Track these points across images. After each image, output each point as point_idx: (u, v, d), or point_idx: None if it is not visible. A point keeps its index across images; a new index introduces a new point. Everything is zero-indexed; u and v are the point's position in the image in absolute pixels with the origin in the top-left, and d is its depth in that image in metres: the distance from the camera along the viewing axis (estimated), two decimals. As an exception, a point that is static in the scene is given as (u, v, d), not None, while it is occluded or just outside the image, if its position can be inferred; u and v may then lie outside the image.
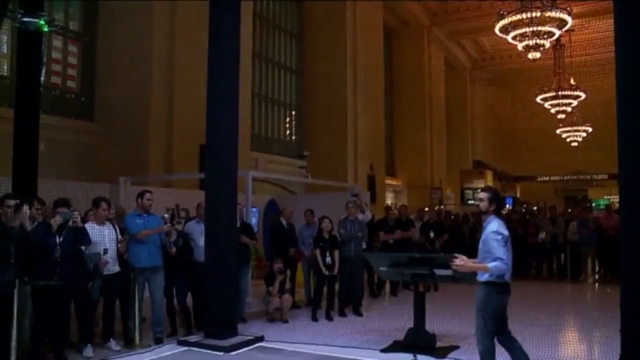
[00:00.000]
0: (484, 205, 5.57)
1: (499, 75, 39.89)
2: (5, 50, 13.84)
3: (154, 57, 14.56)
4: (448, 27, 31.56)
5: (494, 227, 5.42)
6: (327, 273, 9.32)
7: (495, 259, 5.29)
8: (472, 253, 5.96)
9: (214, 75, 7.86)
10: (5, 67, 13.70)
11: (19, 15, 8.27)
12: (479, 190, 5.87)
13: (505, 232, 5.43)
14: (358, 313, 9.60)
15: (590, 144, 33.90)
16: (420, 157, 29.92)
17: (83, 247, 6.65)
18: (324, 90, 22.50)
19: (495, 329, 5.49)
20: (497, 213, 5.61)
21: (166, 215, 7.57)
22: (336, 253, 9.40)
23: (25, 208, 6.18)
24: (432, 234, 12.55)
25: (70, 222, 6.35)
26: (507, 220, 15.70)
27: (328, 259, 9.28)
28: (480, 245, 5.55)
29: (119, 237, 7.16)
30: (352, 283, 9.66)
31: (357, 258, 9.54)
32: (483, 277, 5.46)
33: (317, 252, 9.39)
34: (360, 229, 9.82)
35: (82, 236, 6.53)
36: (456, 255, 5.75)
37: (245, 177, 10.43)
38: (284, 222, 10.36)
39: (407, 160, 29.90)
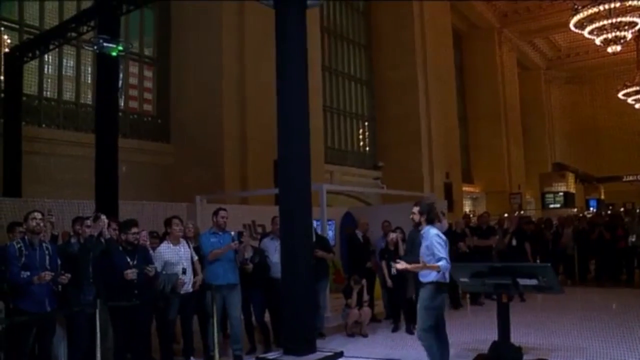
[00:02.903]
0: (416, 217, 6.22)
1: (575, 73, 38.54)
2: (89, 80, 14.48)
3: (224, 76, 14.86)
4: (519, 27, 30.82)
5: (435, 232, 6.07)
6: (391, 285, 9.13)
7: (440, 259, 5.86)
8: (555, 260, 5.78)
9: (283, 90, 7.86)
10: (90, 95, 14.31)
11: (101, 41, 8.61)
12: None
13: (444, 237, 6.11)
14: None
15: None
16: (497, 162, 29.23)
17: (159, 269, 6.78)
18: (395, 100, 22.34)
19: (436, 324, 6.08)
20: (431, 222, 6.21)
21: (233, 233, 7.55)
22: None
23: (103, 217, 6.37)
24: (514, 242, 12.06)
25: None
26: (592, 224, 15.18)
27: (393, 270, 9.06)
28: (424, 250, 6.04)
29: (194, 255, 7.22)
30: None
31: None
32: (429, 278, 6.00)
33: (383, 264, 9.22)
34: None
35: (146, 255, 6.65)
36: (398, 260, 6.63)
37: (319, 191, 10.38)
38: (359, 234, 10.23)
39: (484, 165, 29.27)
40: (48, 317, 5.83)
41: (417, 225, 6.26)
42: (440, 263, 5.86)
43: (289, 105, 7.79)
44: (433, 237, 6.00)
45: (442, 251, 5.92)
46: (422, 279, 6.07)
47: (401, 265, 6.34)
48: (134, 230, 6.51)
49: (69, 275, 5.78)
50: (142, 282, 6.38)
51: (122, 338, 6.30)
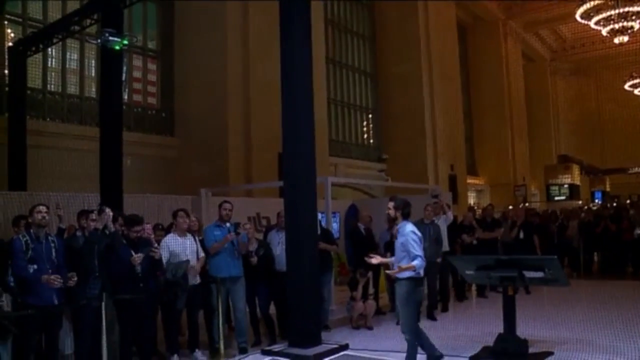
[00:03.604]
0: (392, 212, 6.23)
1: (581, 64, 38.33)
2: (93, 74, 14.48)
3: (228, 69, 14.81)
4: (524, 19, 30.62)
5: (410, 228, 6.12)
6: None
7: (415, 257, 5.94)
8: (560, 253, 5.70)
9: (288, 84, 7.83)
10: (94, 89, 14.31)
11: (107, 34, 8.56)
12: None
13: (419, 233, 6.18)
14: (432, 317, 9.33)
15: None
16: (502, 154, 29.11)
17: (164, 259, 6.79)
18: (399, 92, 22.26)
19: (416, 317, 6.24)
20: (407, 217, 6.24)
21: (228, 224, 7.48)
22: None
23: (108, 210, 6.37)
24: (521, 235, 12.02)
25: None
26: (598, 216, 15.13)
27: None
28: (399, 245, 6.13)
29: (200, 251, 7.21)
30: (428, 286, 9.45)
31: (433, 263, 9.33)
32: (404, 274, 6.04)
33: (388, 256, 9.17)
34: (436, 232, 9.55)
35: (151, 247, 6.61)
36: (371, 255, 6.64)
37: (324, 183, 10.36)
38: (362, 227, 10.20)
39: (488, 158, 29.16)
40: (55, 310, 5.83)
41: (393, 221, 6.29)
42: (415, 262, 5.94)
43: (294, 97, 7.76)
44: (409, 234, 6.05)
45: (417, 249, 5.99)
46: (399, 275, 6.12)
47: (376, 259, 6.51)
48: (136, 228, 6.51)
49: (75, 279, 5.78)
50: (147, 274, 6.39)
51: (127, 331, 6.31)
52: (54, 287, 5.62)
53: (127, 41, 9.17)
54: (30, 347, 5.69)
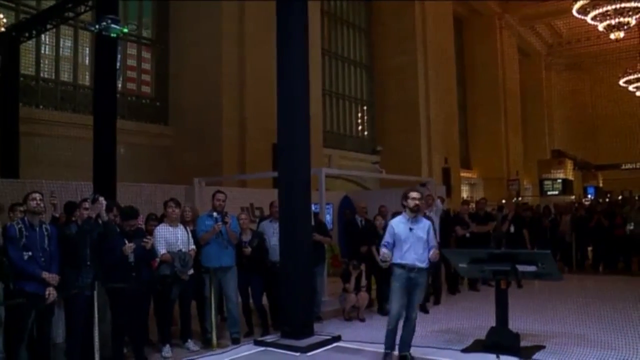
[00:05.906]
0: (422, 203, 6.62)
1: (576, 59, 38.36)
2: (87, 62, 14.39)
3: (224, 59, 14.75)
4: (520, 13, 30.62)
5: (429, 222, 6.47)
6: (384, 267, 9.09)
7: (432, 247, 6.25)
8: (553, 247, 5.70)
9: (284, 74, 7.80)
10: (87, 77, 14.23)
11: (109, 21, 8.42)
12: (411, 192, 6.45)
13: None
14: (424, 310, 9.34)
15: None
16: (495, 148, 29.19)
17: (162, 250, 6.77)
18: (395, 85, 22.27)
19: None
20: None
21: (215, 214, 7.37)
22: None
23: (102, 199, 6.32)
24: (512, 229, 12.06)
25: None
26: (591, 211, 15.17)
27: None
28: (421, 237, 6.20)
29: (191, 239, 7.18)
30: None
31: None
32: (427, 264, 6.28)
33: (374, 248, 9.13)
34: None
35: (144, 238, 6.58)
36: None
37: (318, 175, 10.33)
38: (359, 220, 10.15)
39: (482, 151, 29.24)
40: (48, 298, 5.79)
41: (417, 211, 6.31)
42: (435, 250, 6.26)
43: (290, 88, 7.73)
44: (430, 226, 6.35)
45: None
46: (424, 265, 6.24)
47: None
48: (131, 222, 6.49)
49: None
50: (139, 264, 6.37)
51: (120, 320, 6.29)
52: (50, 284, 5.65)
53: (127, 30, 9.08)
54: (21, 335, 5.66)
